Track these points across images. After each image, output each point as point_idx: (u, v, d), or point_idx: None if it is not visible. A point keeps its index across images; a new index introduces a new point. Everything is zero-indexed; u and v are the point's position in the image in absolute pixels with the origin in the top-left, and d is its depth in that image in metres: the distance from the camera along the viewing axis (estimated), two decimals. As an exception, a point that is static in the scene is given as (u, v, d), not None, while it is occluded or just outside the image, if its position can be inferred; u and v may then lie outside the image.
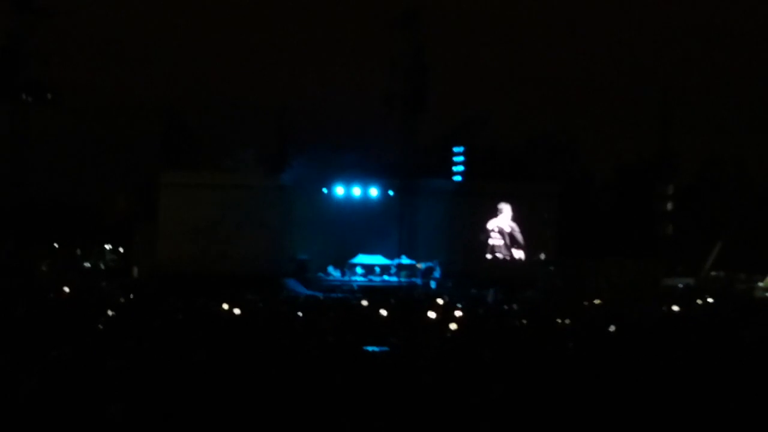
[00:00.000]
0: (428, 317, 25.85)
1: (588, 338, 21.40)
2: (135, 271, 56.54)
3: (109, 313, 25.26)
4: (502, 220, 59.15)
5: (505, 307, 33.50)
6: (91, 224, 65.31)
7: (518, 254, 58.59)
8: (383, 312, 27.68)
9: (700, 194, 67.12)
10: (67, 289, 35.07)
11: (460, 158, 61.18)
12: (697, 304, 40.34)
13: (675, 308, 34.21)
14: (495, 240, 58.98)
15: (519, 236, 59.02)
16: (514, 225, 59.14)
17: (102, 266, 63.32)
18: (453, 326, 22.62)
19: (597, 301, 37.20)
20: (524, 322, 25.86)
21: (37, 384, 12.71)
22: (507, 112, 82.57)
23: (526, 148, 68.45)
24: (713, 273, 60.36)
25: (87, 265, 63.15)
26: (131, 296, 33.56)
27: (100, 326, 22.67)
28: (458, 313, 26.89)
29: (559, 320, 25.54)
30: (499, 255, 58.85)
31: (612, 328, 22.98)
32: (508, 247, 58.93)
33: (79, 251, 65.05)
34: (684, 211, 63.19)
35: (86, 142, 68.87)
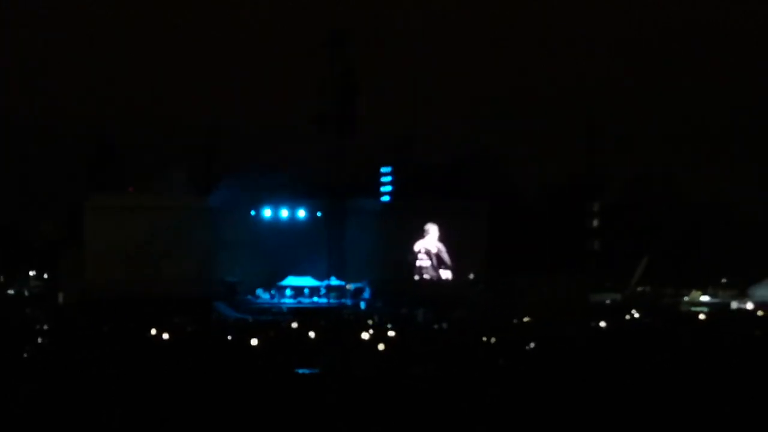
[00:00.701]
0: (360, 338, 25.90)
1: (513, 355, 21.60)
2: (60, 296, 55.57)
3: (37, 340, 24.95)
4: (429, 241, 59.35)
5: (435, 326, 33.60)
6: (14, 249, 64.08)
7: (446, 274, 58.86)
8: (312, 334, 27.68)
9: (627, 211, 67.92)
10: None
11: (388, 178, 61.31)
12: (625, 319, 40.84)
13: (602, 324, 34.55)
14: (422, 261, 59.15)
15: (446, 257, 59.27)
16: (440, 245, 59.36)
17: (26, 293, 62.14)
18: (381, 346, 22.69)
19: (526, 319, 37.42)
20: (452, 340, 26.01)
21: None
22: (435, 130, 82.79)
23: (455, 166, 68.68)
24: (640, 288, 61.13)
25: (10, 292, 61.95)
26: (56, 323, 33.08)
27: (25, 354, 22.36)
28: (391, 333, 26.96)
29: (485, 338, 25.69)
30: (426, 276, 59.03)
31: (532, 345, 23.20)
32: (435, 268, 59.15)
33: (1, 278, 63.79)
34: (611, 228, 63.89)
35: (9, 165, 67.65)
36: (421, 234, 59.22)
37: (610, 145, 65.58)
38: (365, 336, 26.20)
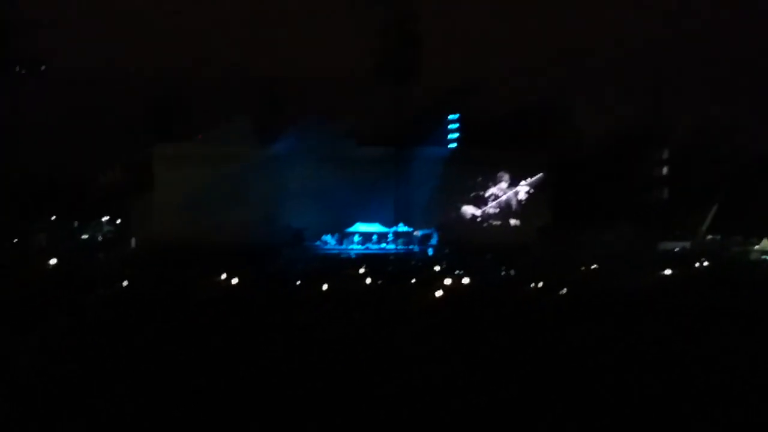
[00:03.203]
0: (444, 283, 25.97)
1: (586, 304, 21.48)
2: (132, 242, 56.43)
3: (109, 284, 25.31)
4: (498, 188, 59.18)
5: (503, 273, 33.52)
6: (87, 197, 65.04)
7: (513, 221, 58.62)
8: (380, 281, 27.80)
9: (695, 158, 66.99)
10: (53, 261, 34.94)
11: (455, 126, 61.15)
12: (694, 267, 40.44)
13: (667, 272, 34.27)
14: (490, 207, 59.03)
15: (514, 204, 59.06)
16: (509, 192, 59.17)
17: (99, 238, 63.09)
18: (438, 293, 22.74)
19: (594, 267, 37.17)
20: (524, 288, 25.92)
21: (37, 355, 12.72)
22: (499, 78, 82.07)
23: (519, 114, 68.20)
24: (709, 236, 60.43)
25: (84, 237, 62.95)
26: (128, 267, 33.52)
27: (101, 295, 22.74)
28: (466, 281, 26.95)
29: (555, 287, 25.54)
30: (494, 222, 58.89)
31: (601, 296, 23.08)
32: (503, 215, 58.97)
33: (76, 224, 64.82)
34: (679, 175, 63.08)
35: (78, 115, 68.42)
36: (489, 180, 59.08)
37: (678, 92, 64.64)
38: (448, 281, 26.29)
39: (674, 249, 54.84)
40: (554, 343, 15.27)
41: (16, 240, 52.03)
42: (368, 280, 28.11)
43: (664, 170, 62.17)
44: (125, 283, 25.48)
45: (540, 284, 25.82)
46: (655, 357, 14.10)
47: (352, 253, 49.92)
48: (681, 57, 73.06)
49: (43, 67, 53.55)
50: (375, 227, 54.51)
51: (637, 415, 11.01)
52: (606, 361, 13.83)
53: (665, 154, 62.41)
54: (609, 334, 16.21)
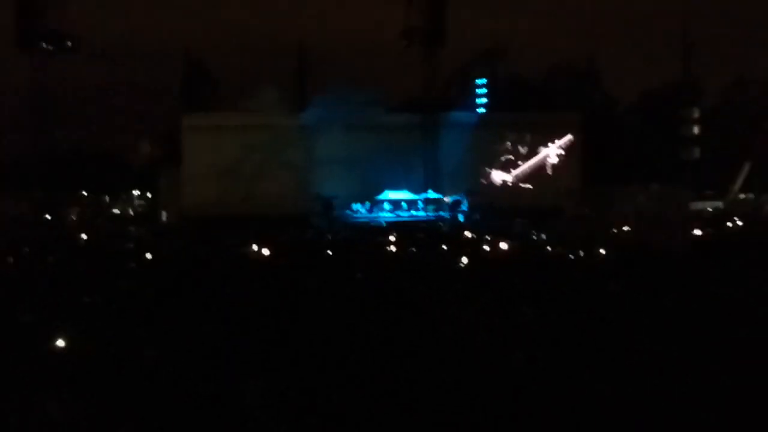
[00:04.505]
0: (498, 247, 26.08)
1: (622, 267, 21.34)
2: (163, 215, 56.72)
3: (144, 257, 25.45)
4: (527, 151, 58.94)
5: (534, 237, 33.40)
6: (117, 171, 65.42)
7: (544, 184, 58.28)
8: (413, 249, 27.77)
9: (726, 117, 66.40)
10: (85, 237, 35.19)
11: (483, 90, 60.87)
12: (727, 227, 40.15)
13: (697, 232, 34.02)
14: (520, 171, 58.81)
15: (544, 167, 58.83)
16: (539, 155, 58.92)
17: (131, 212, 63.52)
18: (465, 260, 22.70)
19: (626, 228, 36.97)
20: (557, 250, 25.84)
21: (74, 328, 12.80)
22: (527, 41, 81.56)
23: (548, 76, 67.83)
24: (742, 196, 59.99)
25: (116, 211, 63.40)
26: (159, 239, 33.72)
27: (133, 268, 22.86)
28: (504, 246, 26.91)
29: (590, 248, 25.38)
30: (524, 186, 58.67)
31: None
32: (533, 178, 58.74)
33: (107, 198, 65.26)
34: (710, 135, 62.52)
35: (106, 89, 68.72)
36: (518, 144, 58.91)
37: (706, 50, 63.97)
38: (504, 246, 26.44)
39: (707, 209, 54.47)
40: (597, 308, 15.18)
41: (48, 216, 52.36)
42: (394, 248, 28.03)
43: (696, 130, 61.57)
44: (152, 256, 25.58)
45: (575, 248, 25.66)
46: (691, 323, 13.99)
47: (383, 221, 49.90)
48: (713, 13, 72.34)
49: (69, 43, 53.57)
50: (405, 194, 54.46)
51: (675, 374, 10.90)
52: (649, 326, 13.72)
53: (696, 113, 61.80)
54: (648, 299, 16.08)
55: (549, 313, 14.56)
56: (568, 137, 58.78)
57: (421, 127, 54.92)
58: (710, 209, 54.61)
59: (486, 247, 26.84)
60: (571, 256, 24.20)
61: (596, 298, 16.20)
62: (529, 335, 13.09)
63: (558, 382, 10.71)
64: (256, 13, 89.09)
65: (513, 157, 58.87)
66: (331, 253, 27.19)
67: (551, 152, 58.92)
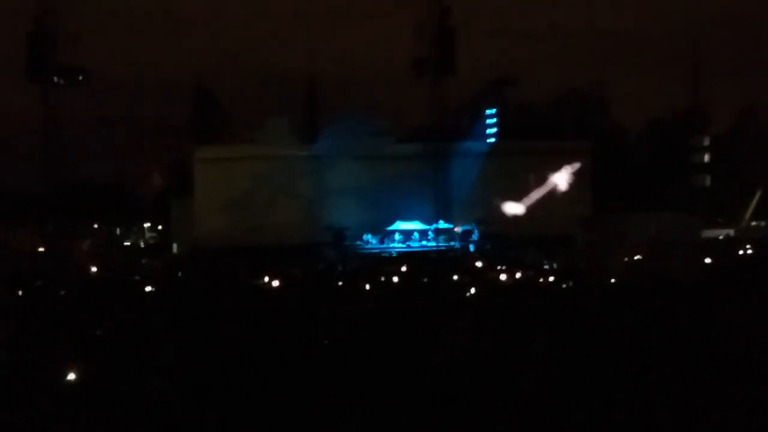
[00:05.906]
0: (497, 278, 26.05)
1: (634, 296, 21.26)
2: (174, 247, 56.83)
3: (149, 289, 25.47)
4: (537, 179, 58.94)
5: (546, 266, 33.34)
6: (128, 203, 65.65)
7: (554, 213, 58.19)
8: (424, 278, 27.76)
9: (736, 144, 66.35)
10: (94, 269, 35.24)
11: (493, 120, 61.02)
12: (739, 254, 40.02)
13: (707, 260, 33.86)
14: (531, 200, 58.78)
15: (554, 195, 58.80)
16: (549, 184, 58.90)
17: (142, 244, 63.70)
18: (473, 290, 22.71)
19: (638, 257, 36.86)
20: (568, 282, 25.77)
21: (85, 361, 12.82)
22: (536, 69, 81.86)
23: (557, 105, 67.96)
24: (753, 223, 59.81)
25: (127, 243, 63.56)
26: (172, 272, 33.76)
27: (144, 300, 22.89)
28: (516, 274, 26.95)
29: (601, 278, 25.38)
30: (535, 214, 58.60)
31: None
32: (544, 206, 58.66)
33: (118, 230, 65.45)
34: (720, 162, 62.47)
35: (117, 121, 69.09)
36: (528, 173, 58.92)
37: (716, 77, 64.12)
38: (503, 277, 26.42)
39: (718, 236, 54.31)
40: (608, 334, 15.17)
41: (59, 248, 52.44)
42: (406, 278, 28.05)
43: (706, 157, 61.53)
44: (163, 288, 25.64)
45: (585, 276, 25.63)
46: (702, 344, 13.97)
47: (394, 252, 49.89)
48: (721, 41, 72.45)
49: (81, 77, 53.84)
50: (415, 225, 54.46)
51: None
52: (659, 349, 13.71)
53: (706, 141, 61.78)
54: (658, 323, 16.05)
55: (562, 341, 14.51)
56: (579, 165, 58.79)
57: (432, 156, 54.98)
58: (721, 237, 54.42)
59: (502, 276, 26.86)
60: (582, 285, 24.16)
61: (608, 327, 16.16)
62: (540, 364, 13.06)
63: (568, 409, 10.71)
64: (266, 44, 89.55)
65: (523, 186, 58.85)
66: (342, 283, 27.17)
67: (561, 180, 58.91)
